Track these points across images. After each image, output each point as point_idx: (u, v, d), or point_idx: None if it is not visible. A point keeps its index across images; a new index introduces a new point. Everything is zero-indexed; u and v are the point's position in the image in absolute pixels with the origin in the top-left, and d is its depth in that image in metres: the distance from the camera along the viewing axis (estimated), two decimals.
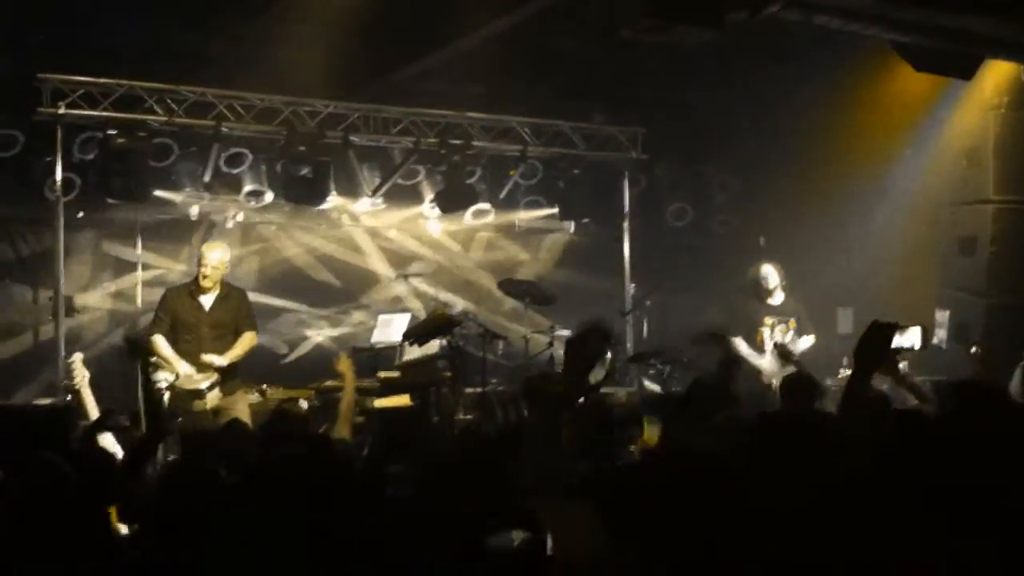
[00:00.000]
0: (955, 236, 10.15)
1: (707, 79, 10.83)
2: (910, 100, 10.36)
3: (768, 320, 9.02)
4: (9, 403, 8.76)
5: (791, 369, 7.94)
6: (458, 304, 11.03)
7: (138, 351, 4.98)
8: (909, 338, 3.51)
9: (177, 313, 7.87)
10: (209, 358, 7.67)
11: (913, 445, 3.95)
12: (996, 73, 9.95)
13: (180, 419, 7.18)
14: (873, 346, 3.25)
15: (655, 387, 9.55)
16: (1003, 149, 9.90)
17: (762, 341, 8.95)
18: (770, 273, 9.13)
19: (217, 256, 7.98)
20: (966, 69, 9.33)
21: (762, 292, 9.11)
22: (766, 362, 8.80)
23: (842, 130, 10.66)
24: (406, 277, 10.43)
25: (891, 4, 8.63)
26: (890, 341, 3.31)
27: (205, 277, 7.87)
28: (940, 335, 8.97)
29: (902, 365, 8.29)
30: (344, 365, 6.46)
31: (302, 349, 11.35)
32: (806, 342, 9.05)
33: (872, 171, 10.84)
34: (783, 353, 8.13)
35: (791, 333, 8.98)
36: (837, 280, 10.47)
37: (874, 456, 3.27)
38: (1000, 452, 3.21)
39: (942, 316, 9.13)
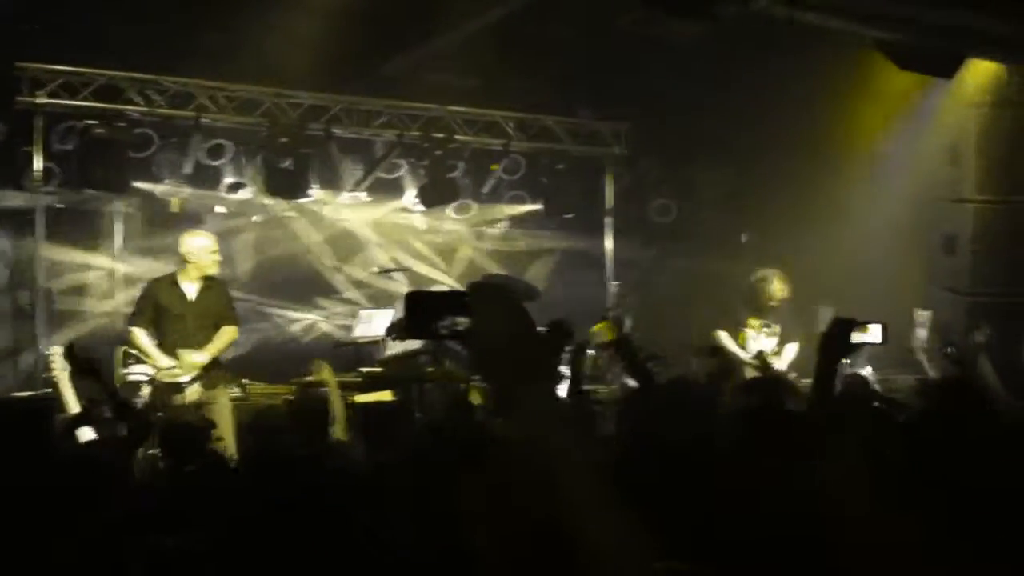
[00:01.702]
0: (938, 234, 10.20)
1: (693, 75, 10.82)
2: (894, 98, 10.39)
3: (753, 322, 8.91)
4: (10, 396, 8.71)
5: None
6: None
7: (80, 365, 4.85)
8: (870, 335, 3.66)
9: (161, 304, 7.82)
10: (190, 356, 7.62)
11: (882, 441, 3.99)
12: (978, 71, 10.00)
13: (160, 413, 7.14)
14: (835, 342, 3.40)
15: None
16: (984, 147, 9.96)
17: (744, 342, 8.89)
18: (778, 287, 8.80)
19: (202, 244, 7.94)
20: (948, 67, 9.39)
21: (761, 299, 8.85)
22: (749, 357, 8.80)
23: (826, 128, 10.68)
24: (387, 271, 10.39)
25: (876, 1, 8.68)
26: (850, 336, 3.46)
27: (194, 265, 7.83)
28: (921, 335, 8.99)
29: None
30: (325, 373, 6.47)
31: (282, 342, 11.29)
32: (791, 351, 8.94)
33: (855, 168, 10.86)
34: (763, 365, 8.12)
35: (775, 339, 8.88)
36: (819, 278, 10.49)
37: (840, 450, 3.32)
38: (973, 451, 3.23)
39: (923, 315, 9.15)
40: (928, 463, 3.29)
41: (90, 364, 4.87)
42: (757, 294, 8.84)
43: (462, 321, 1.81)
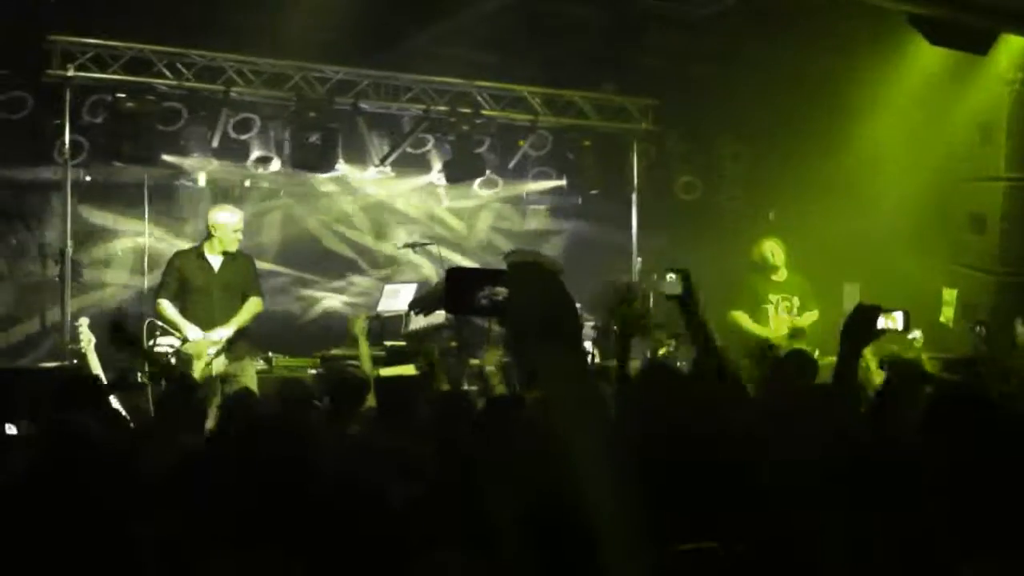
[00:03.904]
0: (966, 213, 10.10)
1: (720, 50, 10.75)
2: (924, 74, 10.27)
3: (772, 297, 9.08)
4: (40, 366, 8.85)
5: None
6: None
7: (124, 339, 4.81)
8: (893, 321, 3.68)
9: (186, 276, 7.91)
10: (216, 334, 7.69)
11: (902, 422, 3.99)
12: (1011, 48, 9.85)
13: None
14: (859, 328, 3.43)
15: None
16: (1016, 126, 9.83)
17: (767, 317, 9.03)
18: (774, 249, 9.18)
19: (227, 219, 8.01)
20: (981, 44, 9.25)
21: (767, 268, 9.18)
22: (770, 332, 8.90)
23: (855, 103, 10.59)
24: (412, 247, 10.42)
25: None
26: (875, 323, 3.50)
27: (219, 239, 7.91)
28: (948, 313, 8.96)
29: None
30: (358, 327, 6.53)
31: (308, 316, 11.36)
32: (808, 320, 9.09)
33: (884, 145, 10.76)
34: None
35: (794, 311, 9.05)
36: (845, 255, 10.43)
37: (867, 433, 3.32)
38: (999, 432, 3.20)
39: (950, 294, 9.11)
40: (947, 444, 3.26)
41: (135, 338, 4.90)
42: (760, 261, 9.25)
43: (500, 292, 1.82)
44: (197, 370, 7.53)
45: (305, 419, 5.03)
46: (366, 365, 6.53)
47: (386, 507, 3.11)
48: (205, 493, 3.24)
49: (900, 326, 3.81)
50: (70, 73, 9.28)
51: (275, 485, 3.14)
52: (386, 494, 3.18)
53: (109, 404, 5.34)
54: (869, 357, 7.33)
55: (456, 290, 1.88)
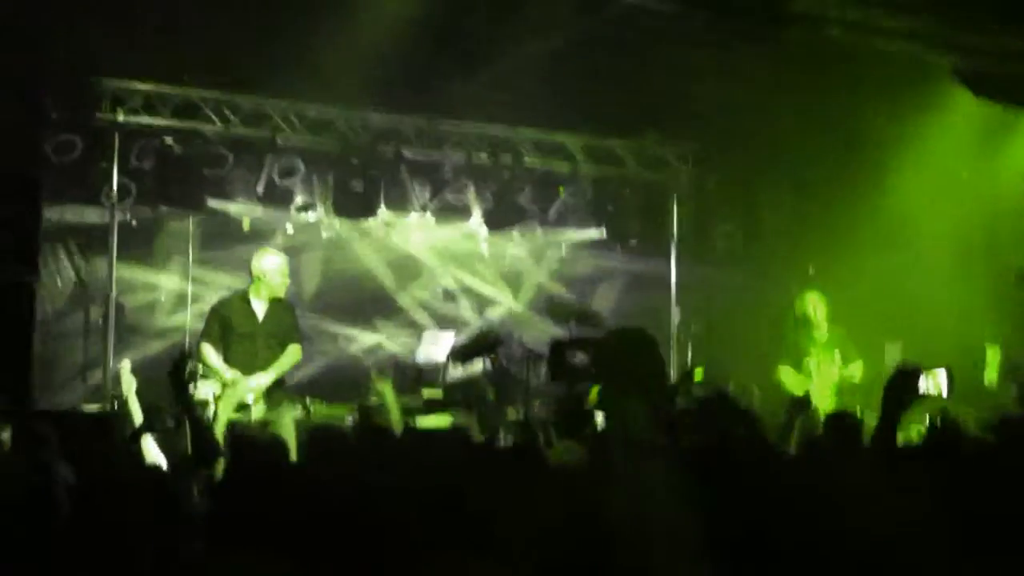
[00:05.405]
0: (1012, 269, 9.97)
1: (761, 100, 10.73)
2: (969, 127, 10.20)
3: (815, 351, 8.96)
4: (54, 409, 8.89)
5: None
6: (504, 323, 11.03)
7: (183, 377, 4.78)
8: (935, 383, 3.55)
9: (230, 323, 7.94)
10: (255, 381, 7.71)
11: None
12: None
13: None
14: (899, 392, 3.34)
15: None
16: None
17: (808, 371, 8.93)
18: (816, 304, 9.03)
19: (274, 265, 8.05)
20: None
21: (808, 325, 9.02)
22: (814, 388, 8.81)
23: (899, 155, 10.51)
24: (451, 294, 10.47)
25: (956, 27, 8.55)
26: (916, 387, 3.38)
27: (264, 284, 7.94)
28: (992, 375, 8.83)
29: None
30: (382, 386, 6.50)
31: (348, 362, 11.39)
32: (856, 371, 8.99)
33: (928, 197, 10.65)
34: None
35: (836, 366, 8.93)
36: (887, 311, 10.29)
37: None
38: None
39: (993, 355, 8.98)
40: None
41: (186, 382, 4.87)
42: (801, 316, 9.06)
43: (583, 357, 1.92)
44: (227, 413, 7.54)
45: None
46: (395, 417, 6.48)
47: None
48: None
49: (944, 389, 3.70)
50: (120, 117, 9.42)
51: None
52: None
53: (129, 444, 5.39)
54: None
55: (557, 358, 1.96)
